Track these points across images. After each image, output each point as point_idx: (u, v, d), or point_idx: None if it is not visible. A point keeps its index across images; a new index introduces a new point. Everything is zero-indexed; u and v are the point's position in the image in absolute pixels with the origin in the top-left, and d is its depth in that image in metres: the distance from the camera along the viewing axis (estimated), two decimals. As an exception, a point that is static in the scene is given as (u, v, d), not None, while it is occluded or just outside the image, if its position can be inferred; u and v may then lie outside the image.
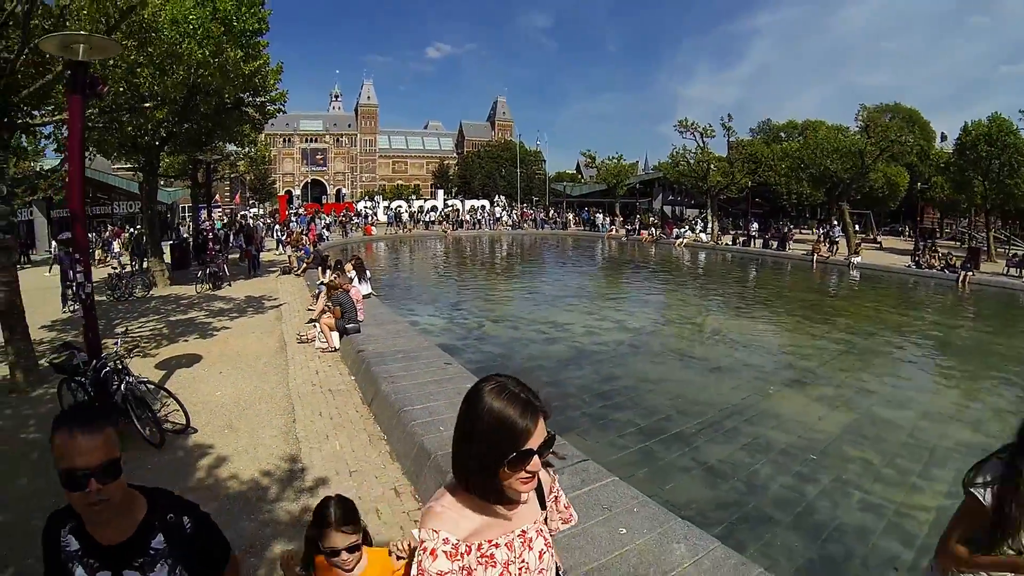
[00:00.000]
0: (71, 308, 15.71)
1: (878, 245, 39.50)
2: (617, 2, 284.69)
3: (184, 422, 7.17)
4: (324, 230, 43.54)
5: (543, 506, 1.91)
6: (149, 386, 7.27)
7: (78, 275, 7.06)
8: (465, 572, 1.63)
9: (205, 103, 16.30)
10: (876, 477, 7.18)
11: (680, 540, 4.29)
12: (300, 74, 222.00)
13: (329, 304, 11.70)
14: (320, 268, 18.15)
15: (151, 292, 18.90)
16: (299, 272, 22.96)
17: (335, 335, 11.27)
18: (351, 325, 11.32)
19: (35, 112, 11.29)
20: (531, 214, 62.53)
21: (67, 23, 10.15)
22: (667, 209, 63.28)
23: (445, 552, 1.60)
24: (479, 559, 1.67)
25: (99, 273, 18.16)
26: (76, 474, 1.76)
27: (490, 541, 1.70)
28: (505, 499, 1.69)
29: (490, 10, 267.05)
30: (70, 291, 15.99)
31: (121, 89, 13.12)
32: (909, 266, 29.25)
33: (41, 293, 16.05)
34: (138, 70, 12.97)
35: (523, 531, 1.77)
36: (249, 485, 5.84)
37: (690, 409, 9.35)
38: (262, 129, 26.61)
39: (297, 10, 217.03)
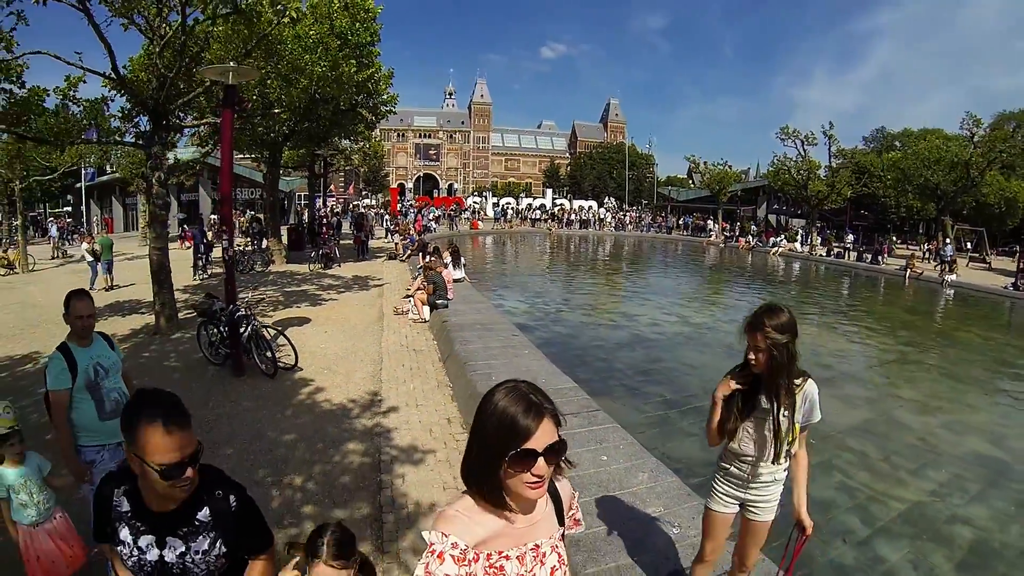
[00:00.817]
0: (200, 276, 18.71)
1: (987, 265, 37.44)
2: (733, 2, 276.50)
3: (293, 361, 9.16)
4: (432, 222, 46.17)
5: (561, 522, 1.89)
6: (270, 331, 9.30)
7: (223, 241, 9.28)
8: None
9: (323, 108, 18.53)
10: (865, 467, 7.81)
11: (646, 471, 5.65)
12: (415, 71, 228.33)
13: (424, 283, 13.61)
14: (421, 254, 20.15)
15: (269, 268, 21.58)
16: (403, 258, 25.13)
17: (426, 309, 13.12)
18: (440, 301, 13.21)
19: (181, 115, 13.71)
20: (636, 216, 63.19)
21: (211, 44, 12.43)
22: (772, 218, 62.15)
23: (452, 556, 1.59)
24: (487, 569, 1.66)
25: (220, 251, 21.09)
26: (176, 466, 1.94)
27: (500, 552, 1.69)
28: (508, 505, 1.69)
29: (604, 10, 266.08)
30: (200, 261, 18.99)
31: (254, 97, 15.47)
32: (1006, 287, 27.51)
33: (173, 264, 18.79)
34: (268, 82, 15.26)
35: (536, 545, 1.77)
36: (337, 407, 7.68)
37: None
38: (374, 127, 29.03)
39: (414, 9, 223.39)
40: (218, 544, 2.17)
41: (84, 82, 11.23)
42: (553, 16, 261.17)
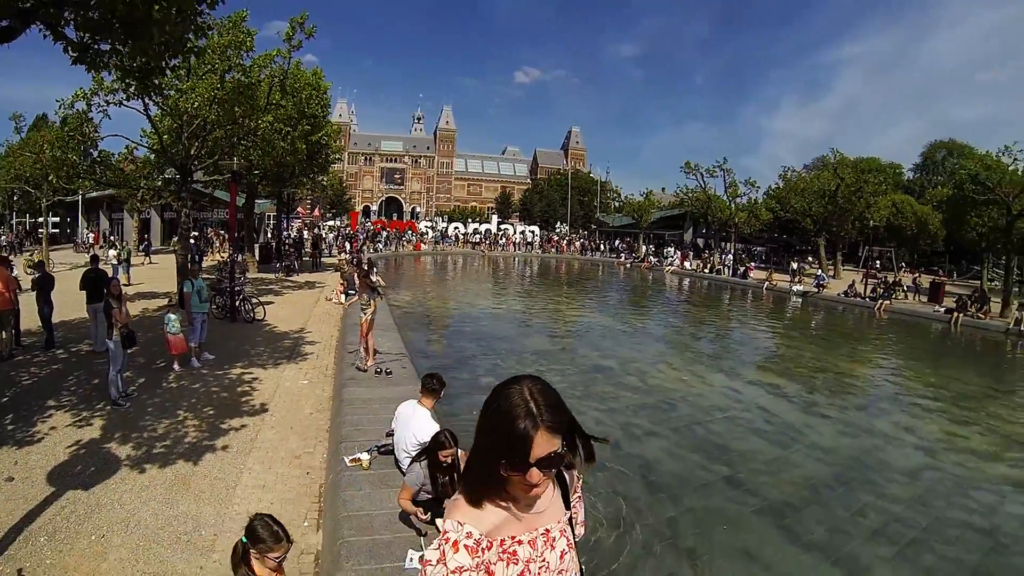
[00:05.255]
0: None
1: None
2: (706, 33, 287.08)
3: (263, 316, 17.18)
4: (380, 243, 54.97)
5: (567, 506, 1.91)
6: (253, 299, 17.42)
7: (226, 244, 17.33)
8: (485, 567, 1.65)
9: (288, 168, 26.76)
10: (610, 379, 16.13)
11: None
12: (388, 94, 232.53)
13: (341, 279, 21.86)
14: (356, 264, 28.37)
15: (245, 275, 29.43)
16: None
17: (343, 296, 21.20)
18: (351, 291, 21.23)
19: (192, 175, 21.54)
20: (556, 241, 71.81)
21: (213, 133, 20.04)
22: (699, 241, 68.35)
23: (467, 547, 1.62)
24: (500, 554, 1.68)
25: (209, 261, 29.06)
26: None
27: (513, 537, 1.71)
28: (507, 497, 1.72)
29: (581, 37, 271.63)
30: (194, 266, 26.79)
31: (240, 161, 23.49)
32: (839, 294, 32.72)
33: (167, 271, 26.27)
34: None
35: (547, 530, 1.78)
36: (284, 331, 15.81)
37: (484, 339, 18.84)
38: (327, 170, 37.07)
39: (389, 31, 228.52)
40: None
41: (137, 148, 18.91)
42: (529, 40, 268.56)
